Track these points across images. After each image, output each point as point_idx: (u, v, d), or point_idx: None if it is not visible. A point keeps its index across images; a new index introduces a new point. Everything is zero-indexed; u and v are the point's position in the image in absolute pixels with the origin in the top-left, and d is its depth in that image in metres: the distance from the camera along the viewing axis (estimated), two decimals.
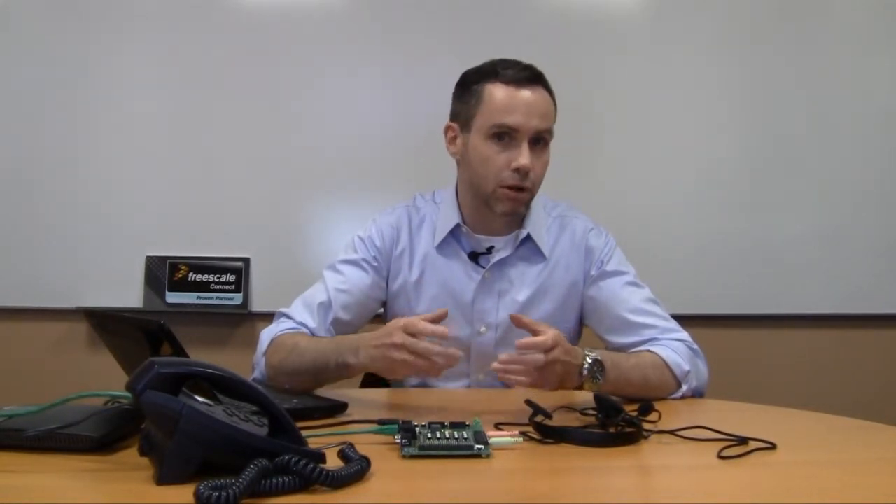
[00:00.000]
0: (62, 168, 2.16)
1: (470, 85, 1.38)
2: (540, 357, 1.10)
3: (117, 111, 2.17)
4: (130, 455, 0.81)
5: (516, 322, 1.19)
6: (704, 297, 2.19)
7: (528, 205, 1.40)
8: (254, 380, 1.36)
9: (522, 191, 1.35)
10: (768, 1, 2.24)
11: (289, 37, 2.19)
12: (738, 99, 2.24)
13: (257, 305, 2.16)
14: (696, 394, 1.32)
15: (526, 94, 1.33)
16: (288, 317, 1.39)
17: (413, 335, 1.09)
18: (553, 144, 1.41)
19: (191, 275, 2.16)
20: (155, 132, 2.18)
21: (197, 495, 0.64)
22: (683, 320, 1.40)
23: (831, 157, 2.24)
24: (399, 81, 2.20)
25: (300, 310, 1.39)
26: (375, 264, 1.44)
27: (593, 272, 1.43)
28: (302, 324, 1.37)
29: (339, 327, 1.40)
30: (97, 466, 0.79)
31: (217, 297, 2.16)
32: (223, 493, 0.63)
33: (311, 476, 0.70)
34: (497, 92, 1.34)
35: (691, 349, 1.34)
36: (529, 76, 1.34)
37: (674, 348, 1.31)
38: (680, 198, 2.23)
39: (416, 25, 2.20)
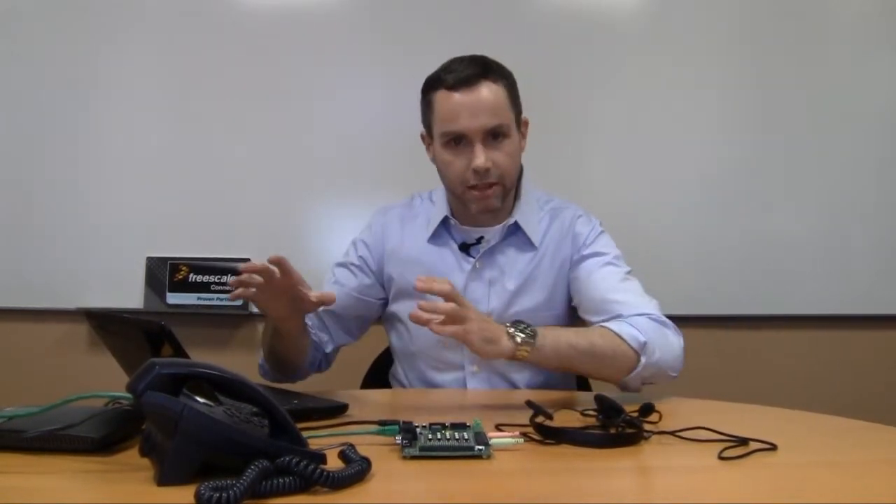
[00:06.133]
0: (63, 169, 2.16)
1: (424, 94, 1.41)
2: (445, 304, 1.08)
3: (117, 111, 2.17)
4: (131, 456, 0.81)
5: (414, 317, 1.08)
6: (704, 298, 2.18)
7: (502, 196, 1.40)
8: (260, 366, 1.44)
9: (489, 187, 1.37)
10: (768, 1, 2.24)
11: (289, 38, 2.19)
12: (738, 99, 2.24)
13: None
14: (668, 367, 1.25)
15: (469, 96, 1.33)
16: None
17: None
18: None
19: (191, 276, 2.16)
20: (155, 133, 2.18)
21: (198, 496, 0.64)
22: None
23: (831, 157, 2.24)
24: (399, 82, 2.18)
25: None
26: (360, 265, 1.49)
27: (575, 256, 1.44)
28: None
29: (332, 320, 1.46)
30: (98, 467, 0.79)
31: (218, 298, 2.16)
32: (224, 494, 0.63)
33: (312, 477, 0.70)
34: (442, 100, 1.36)
35: (657, 321, 1.28)
36: (470, 75, 1.33)
37: (631, 322, 1.25)
38: (680, 198, 2.22)
39: (417, 26, 2.20)
